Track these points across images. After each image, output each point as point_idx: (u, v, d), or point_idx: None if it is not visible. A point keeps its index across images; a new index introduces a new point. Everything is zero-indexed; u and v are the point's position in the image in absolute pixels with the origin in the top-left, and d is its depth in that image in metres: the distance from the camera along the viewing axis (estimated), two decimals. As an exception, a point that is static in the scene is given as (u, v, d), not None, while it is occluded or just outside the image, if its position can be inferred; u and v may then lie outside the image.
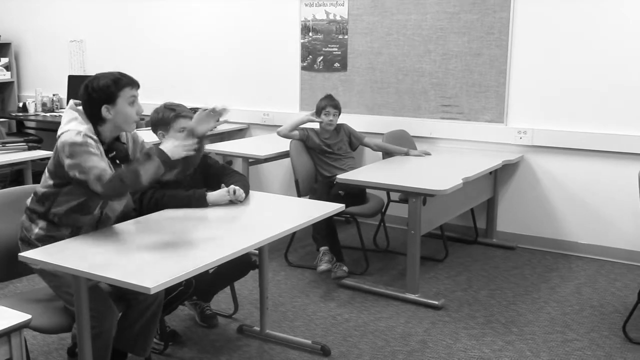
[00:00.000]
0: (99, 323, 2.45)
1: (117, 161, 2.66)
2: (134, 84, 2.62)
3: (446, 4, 4.84)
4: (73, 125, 2.53)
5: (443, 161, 4.50)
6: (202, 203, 2.97)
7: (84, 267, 2.21)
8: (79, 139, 2.47)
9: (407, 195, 3.83)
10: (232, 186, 3.04)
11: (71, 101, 2.66)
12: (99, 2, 6.63)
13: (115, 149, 2.68)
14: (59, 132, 2.55)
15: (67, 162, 2.47)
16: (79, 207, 2.59)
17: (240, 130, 5.84)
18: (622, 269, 4.31)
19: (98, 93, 2.56)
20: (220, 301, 3.70)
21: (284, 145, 4.54)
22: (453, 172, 3.98)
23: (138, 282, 2.09)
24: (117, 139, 2.70)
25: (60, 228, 2.60)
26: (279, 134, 4.50)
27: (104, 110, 2.56)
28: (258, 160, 4.72)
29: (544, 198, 4.73)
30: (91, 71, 6.78)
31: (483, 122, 4.84)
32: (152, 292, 2.06)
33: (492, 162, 4.42)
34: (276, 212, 3.03)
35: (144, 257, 2.35)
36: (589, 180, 4.54)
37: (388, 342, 3.29)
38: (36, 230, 2.59)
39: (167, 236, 2.59)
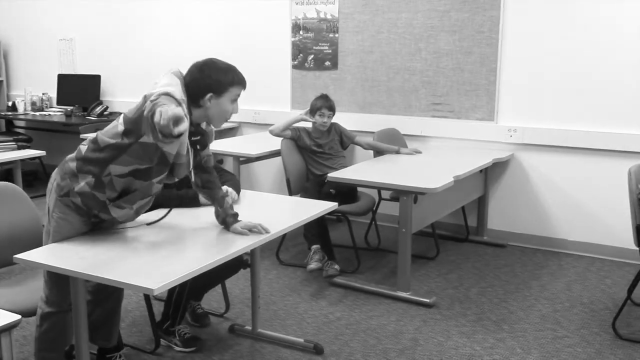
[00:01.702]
0: (61, 300, 2.47)
1: (198, 147, 2.57)
2: (244, 83, 2.55)
3: (437, 2, 4.85)
4: (174, 89, 2.34)
5: (434, 159, 4.51)
6: (195, 203, 2.97)
7: (83, 267, 2.19)
8: (178, 96, 2.31)
9: (398, 194, 3.84)
10: (224, 187, 3.04)
11: (177, 69, 2.50)
12: (88, 0, 6.60)
13: (200, 134, 2.58)
14: (153, 89, 2.32)
15: (150, 105, 2.21)
16: (140, 173, 2.43)
17: (231, 129, 5.83)
18: (611, 266, 4.34)
19: (212, 79, 2.46)
20: (212, 300, 3.69)
21: (275, 144, 4.54)
22: (444, 170, 3.99)
23: (140, 283, 2.08)
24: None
25: (106, 190, 2.44)
26: (271, 132, 4.50)
27: (207, 97, 2.46)
28: (249, 159, 4.72)
29: (534, 196, 4.75)
30: (81, 70, 6.76)
31: (474, 120, 4.85)
32: (155, 294, 2.05)
33: (483, 160, 4.43)
34: (268, 212, 3.03)
35: (140, 257, 2.35)
36: (578, 178, 4.57)
37: (380, 340, 3.30)
38: (82, 183, 2.42)
39: (162, 237, 2.59)
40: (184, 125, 2.07)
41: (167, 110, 2.05)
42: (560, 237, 4.69)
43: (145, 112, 2.24)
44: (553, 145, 4.60)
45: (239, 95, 2.55)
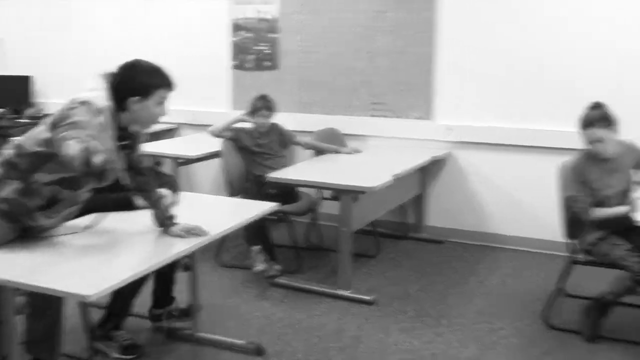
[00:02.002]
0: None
1: (128, 150, 2.52)
2: (171, 85, 2.48)
3: (374, 3, 4.90)
4: (95, 96, 2.30)
5: (373, 158, 4.56)
6: (131, 206, 2.92)
7: (12, 275, 2.10)
8: (99, 103, 2.26)
9: (339, 193, 3.87)
10: (162, 189, 2.99)
11: (108, 71, 2.43)
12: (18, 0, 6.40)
13: (129, 137, 2.51)
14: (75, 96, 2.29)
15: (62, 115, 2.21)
16: (68, 182, 2.37)
17: (170, 130, 5.75)
18: (544, 259, 4.49)
19: (137, 82, 2.40)
20: (148, 303, 3.63)
21: (215, 145, 4.50)
22: (383, 169, 4.04)
23: (74, 290, 2.01)
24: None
25: (35, 197, 2.37)
26: (210, 133, 4.45)
27: (133, 100, 2.40)
28: (188, 161, 4.67)
29: (471, 192, 4.87)
30: (13, 71, 6.53)
31: (411, 119, 4.93)
32: (90, 300, 1.99)
33: (421, 158, 4.51)
34: (208, 213, 3.00)
35: (75, 263, 2.28)
36: (512, 174, 4.71)
37: (321, 339, 3.32)
38: (8, 190, 2.35)
39: (97, 242, 2.53)
40: (99, 157, 2.06)
41: (73, 147, 2.06)
42: (496, 232, 4.81)
43: (54, 136, 2.21)
44: (488, 143, 4.72)
45: (165, 98, 2.50)
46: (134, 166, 2.61)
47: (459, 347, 3.24)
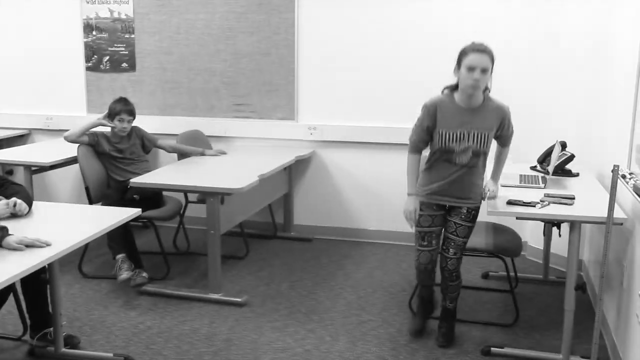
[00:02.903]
0: None
1: None
2: None
3: (234, 4, 4.89)
4: None
5: (239, 159, 4.55)
6: None
7: None
8: None
9: (205, 196, 3.82)
10: (13, 198, 2.81)
11: None
12: None
13: None
14: None
15: None
16: None
17: (21, 136, 5.40)
18: (407, 251, 4.70)
19: None
20: (6, 322, 3.40)
21: (71, 150, 4.29)
22: (249, 170, 4.05)
23: None
24: None
25: None
26: (66, 139, 4.22)
27: None
28: (43, 168, 4.41)
29: (336, 190, 5.00)
30: None
31: (275, 119, 4.98)
32: None
33: (286, 158, 4.56)
34: (66, 223, 2.85)
35: None
36: (374, 171, 4.89)
37: (193, 344, 3.27)
38: None
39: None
40: None
41: None
42: (361, 227, 4.98)
43: None
44: (349, 141, 4.87)
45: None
46: None
47: (330, 341, 3.31)
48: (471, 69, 2.86)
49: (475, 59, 2.85)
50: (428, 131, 3.06)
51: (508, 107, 3.07)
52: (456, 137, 3.00)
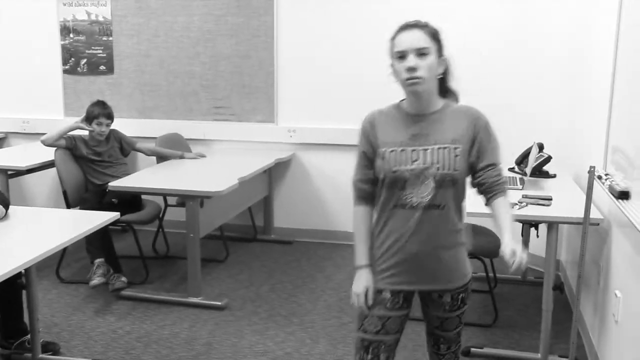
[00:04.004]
0: None
1: None
2: None
3: (213, 7, 4.88)
4: None
5: (218, 162, 4.54)
6: None
7: None
8: None
9: (184, 199, 3.80)
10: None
11: None
12: None
13: None
14: None
15: None
16: None
17: (-3, 140, 5.34)
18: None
19: None
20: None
21: (48, 154, 4.25)
22: (228, 173, 4.03)
23: None
24: None
25: None
26: (43, 143, 4.17)
27: None
28: (19, 172, 4.37)
29: (315, 192, 5.00)
30: None
31: (255, 122, 4.97)
32: None
33: (266, 160, 4.56)
34: (43, 227, 2.82)
35: None
36: (350, 173, 4.88)
37: (173, 349, 3.25)
38: None
39: None
40: None
41: None
42: (341, 230, 4.98)
43: None
44: (328, 144, 4.88)
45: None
46: None
47: (311, 343, 3.31)
48: (402, 55, 1.93)
49: (404, 39, 1.94)
50: (369, 161, 2.07)
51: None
52: (405, 158, 1.94)
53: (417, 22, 2.00)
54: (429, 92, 1.96)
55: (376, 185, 2.05)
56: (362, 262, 2.05)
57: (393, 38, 2.00)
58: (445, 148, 1.93)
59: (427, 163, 1.92)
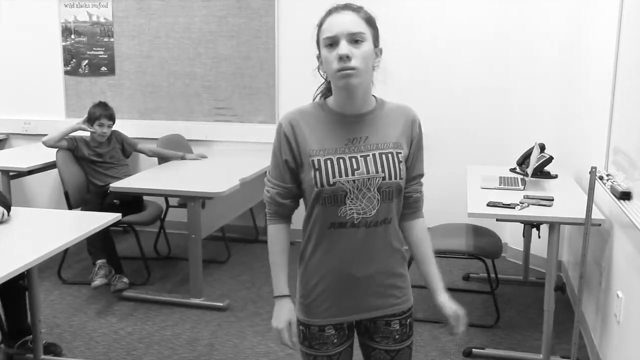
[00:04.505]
0: None
1: None
2: None
3: (214, 8, 4.88)
4: None
5: (220, 163, 4.54)
6: None
7: None
8: None
9: (186, 200, 3.80)
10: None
11: None
12: None
13: None
14: None
15: None
16: None
17: (-2, 141, 5.35)
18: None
19: None
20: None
21: (50, 155, 4.25)
22: (230, 174, 4.04)
23: None
24: None
25: None
26: (44, 144, 4.18)
27: None
28: (21, 173, 4.37)
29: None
30: None
31: (256, 123, 4.97)
32: None
33: (267, 161, 4.51)
34: (45, 228, 2.83)
35: None
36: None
37: (175, 350, 3.25)
38: None
39: None
40: None
41: None
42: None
43: None
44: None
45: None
46: None
47: (312, 344, 3.31)
48: (332, 42, 1.67)
49: (335, 22, 1.68)
50: (291, 172, 1.75)
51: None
52: (344, 167, 1.65)
53: (349, 4, 1.70)
54: (364, 87, 1.72)
55: (296, 200, 1.76)
56: (282, 291, 1.73)
57: (321, 24, 1.72)
58: (388, 153, 1.67)
59: (371, 172, 1.63)
